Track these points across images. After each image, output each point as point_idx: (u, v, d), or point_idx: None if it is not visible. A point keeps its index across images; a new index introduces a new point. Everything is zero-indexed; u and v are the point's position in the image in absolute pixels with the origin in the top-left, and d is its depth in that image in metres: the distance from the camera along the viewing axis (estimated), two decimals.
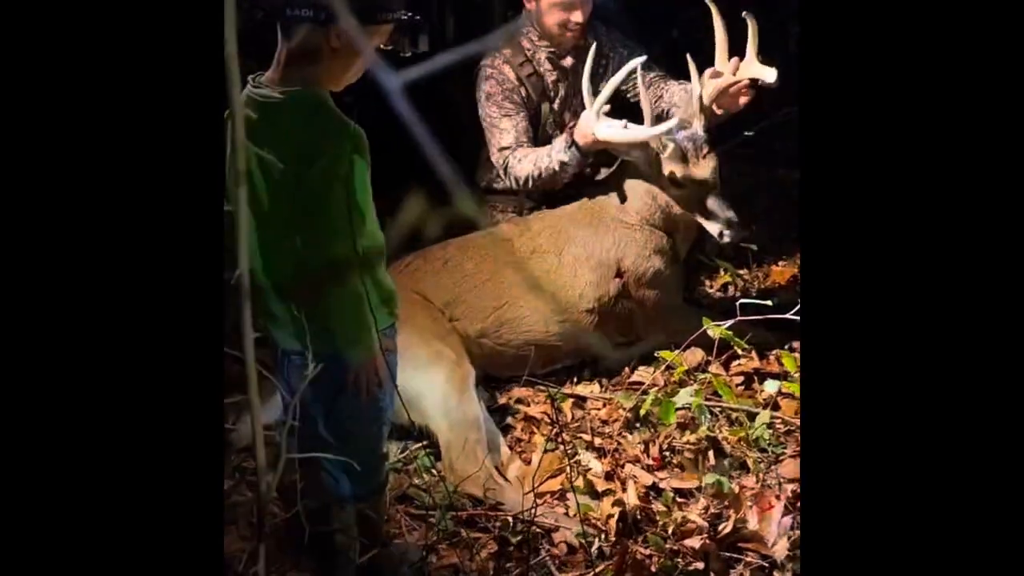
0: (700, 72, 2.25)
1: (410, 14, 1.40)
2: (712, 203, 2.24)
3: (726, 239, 2.24)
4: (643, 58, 2.25)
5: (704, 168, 2.25)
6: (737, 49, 2.28)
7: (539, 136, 2.54)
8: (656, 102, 2.48)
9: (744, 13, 2.20)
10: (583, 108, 2.49)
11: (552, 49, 2.51)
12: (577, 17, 2.40)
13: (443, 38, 3.15)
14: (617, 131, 2.22)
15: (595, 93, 2.29)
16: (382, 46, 1.42)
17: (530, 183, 2.43)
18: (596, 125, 2.21)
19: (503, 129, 2.46)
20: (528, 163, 2.41)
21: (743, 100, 2.29)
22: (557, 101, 2.56)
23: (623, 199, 2.39)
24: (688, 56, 2.22)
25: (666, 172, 2.27)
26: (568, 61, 2.52)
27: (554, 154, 2.37)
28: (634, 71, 2.25)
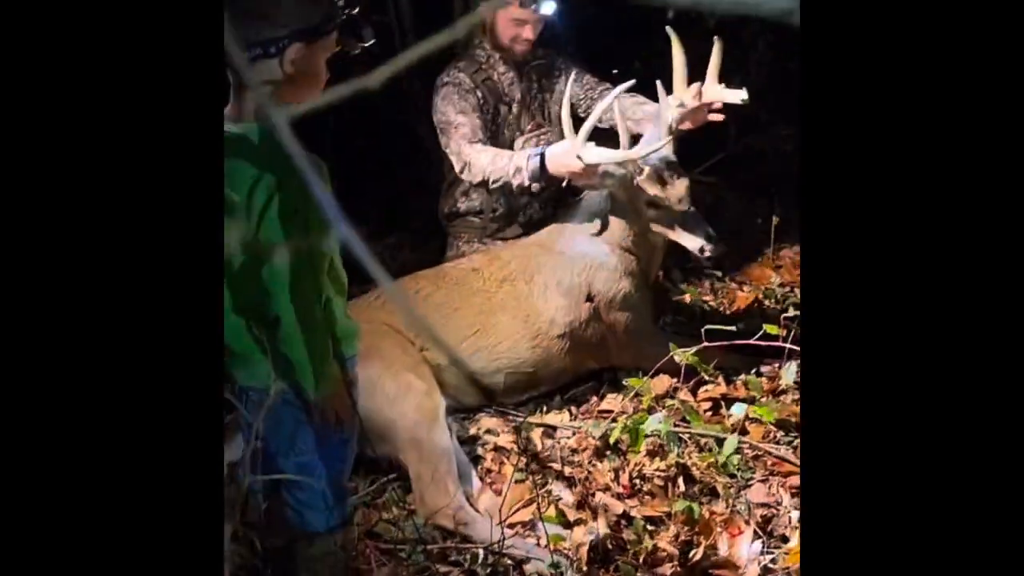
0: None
1: (347, 11, 1.40)
2: (690, 220, 2.27)
3: (707, 254, 2.26)
4: (631, 82, 2.25)
5: (680, 187, 2.29)
6: (698, 77, 2.31)
7: (501, 138, 2.58)
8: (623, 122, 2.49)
9: (715, 37, 2.24)
10: (541, 112, 2.64)
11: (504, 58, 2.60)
12: (528, 33, 2.50)
13: (403, 33, 3.16)
14: (607, 153, 2.22)
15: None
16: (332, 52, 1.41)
17: (480, 176, 2.42)
18: (582, 151, 2.20)
19: (459, 123, 2.48)
20: (486, 157, 2.40)
21: (713, 117, 2.33)
22: (515, 105, 2.62)
23: (604, 227, 2.40)
24: (658, 82, 2.25)
25: (646, 198, 2.30)
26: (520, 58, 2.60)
27: (514, 159, 2.36)
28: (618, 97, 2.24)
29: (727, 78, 2.29)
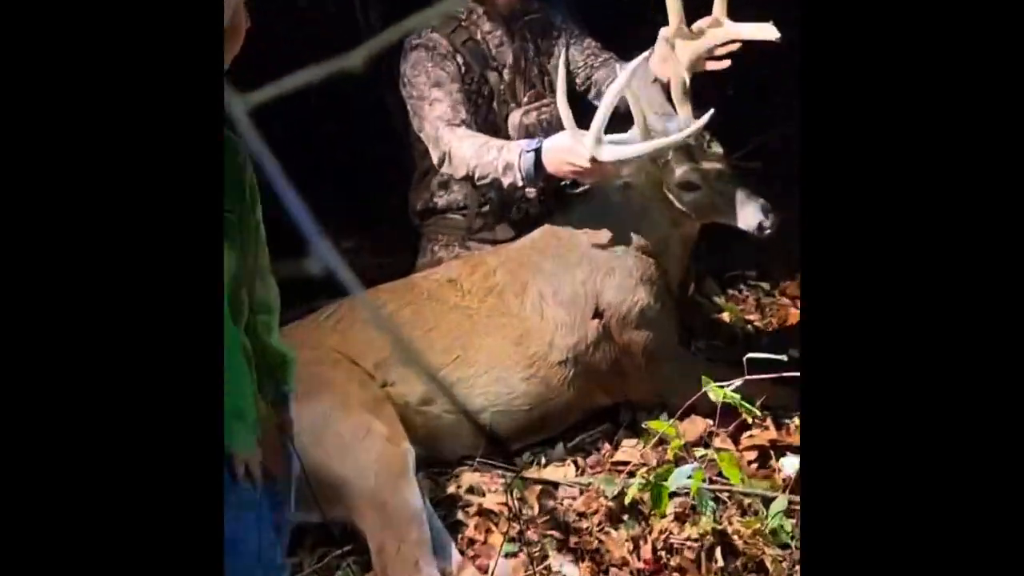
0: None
1: None
2: (737, 194, 2.06)
3: (767, 230, 2.05)
4: (641, 58, 1.98)
5: (716, 156, 2.10)
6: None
7: (491, 114, 2.28)
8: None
9: None
10: (541, 79, 2.34)
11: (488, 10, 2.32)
12: None
13: None
14: (629, 149, 1.95)
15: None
16: None
17: (463, 170, 2.13)
18: (597, 151, 1.93)
19: (435, 99, 2.17)
20: (470, 147, 2.11)
21: (712, 65, 2.04)
22: (506, 71, 2.30)
23: (618, 226, 2.13)
24: (661, 31, 2.03)
25: (678, 178, 2.05)
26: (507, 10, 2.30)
27: (503, 153, 2.07)
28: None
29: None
